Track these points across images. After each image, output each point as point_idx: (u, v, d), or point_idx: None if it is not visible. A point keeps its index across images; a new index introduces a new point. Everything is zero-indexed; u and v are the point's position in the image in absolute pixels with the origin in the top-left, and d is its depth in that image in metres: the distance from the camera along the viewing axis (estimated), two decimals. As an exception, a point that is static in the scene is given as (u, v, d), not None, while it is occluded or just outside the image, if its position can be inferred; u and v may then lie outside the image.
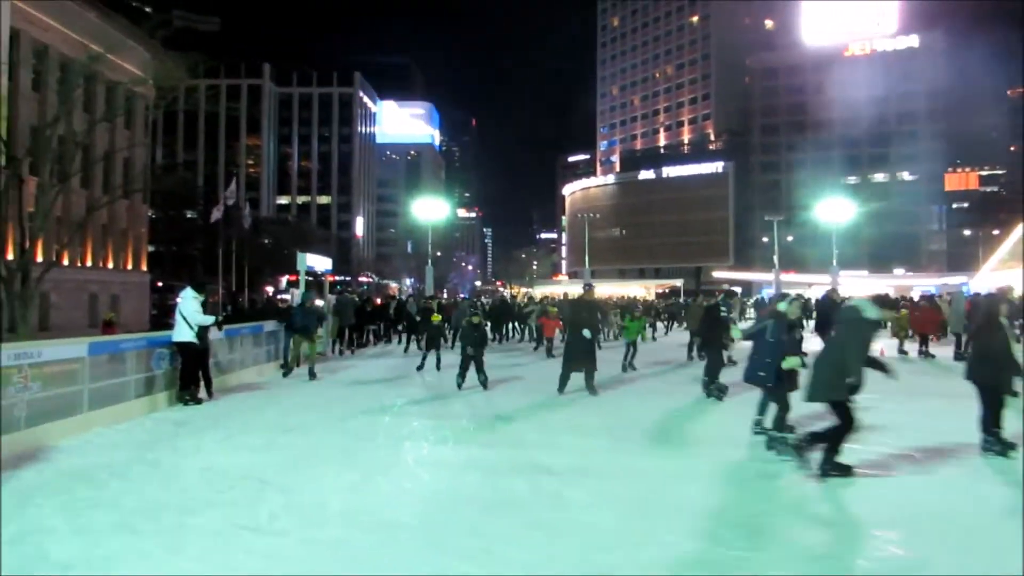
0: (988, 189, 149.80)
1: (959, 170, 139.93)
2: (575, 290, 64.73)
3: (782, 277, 57.49)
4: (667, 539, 5.32)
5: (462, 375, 12.97)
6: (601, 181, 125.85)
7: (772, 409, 8.38)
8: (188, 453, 8.04)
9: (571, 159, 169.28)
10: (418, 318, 20.22)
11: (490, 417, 10.32)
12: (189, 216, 67.45)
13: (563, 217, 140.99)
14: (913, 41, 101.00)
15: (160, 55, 29.51)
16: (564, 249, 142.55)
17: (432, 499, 6.39)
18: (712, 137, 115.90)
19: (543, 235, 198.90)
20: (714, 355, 12.63)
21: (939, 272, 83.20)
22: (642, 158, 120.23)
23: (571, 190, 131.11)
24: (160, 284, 55.62)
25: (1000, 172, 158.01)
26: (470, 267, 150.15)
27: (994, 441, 7.70)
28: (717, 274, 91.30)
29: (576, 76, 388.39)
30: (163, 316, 42.93)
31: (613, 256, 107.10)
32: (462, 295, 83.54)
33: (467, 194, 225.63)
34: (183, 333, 11.25)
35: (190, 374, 11.37)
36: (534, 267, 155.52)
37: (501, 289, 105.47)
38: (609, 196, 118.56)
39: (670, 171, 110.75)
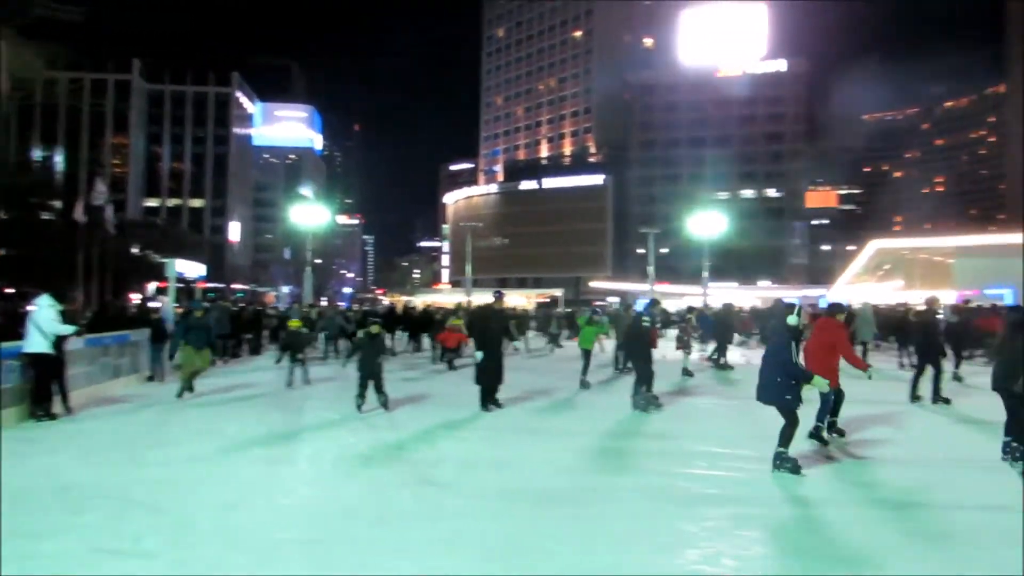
0: (845, 207, 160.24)
1: (820, 188, 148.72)
2: (456, 299, 64.64)
3: (656, 288, 59.28)
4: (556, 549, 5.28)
5: (361, 395, 11.31)
6: (484, 190, 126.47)
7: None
8: (41, 473, 7.35)
9: (454, 167, 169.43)
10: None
11: (389, 443, 9.28)
12: (45, 218, 62.96)
13: (445, 225, 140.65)
14: (781, 65, 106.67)
15: (17, 45, 27.46)
16: (446, 257, 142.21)
17: (315, 515, 6.13)
18: (593, 150, 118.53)
19: (425, 243, 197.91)
20: (642, 366, 12.23)
21: (801, 285, 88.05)
22: (525, 168, 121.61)
23: (454, 198, 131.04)
24: (9, 291, 51.57)
25: (856, 191, 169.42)
26: (350, 274, 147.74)
27: (1018, 448, 7.91)
28: (595, 284, 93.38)
29: (461, 85, 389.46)
30: (12, 325, 39.73)
31: (495, 265, 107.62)
32: (343, 304, 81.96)
33: (348, 200, 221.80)
34: (36, 343, 10.38)
35: (44, 388, 10.50)
36: (415, 275, 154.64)
37: (381, 297, 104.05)
38: (491, 205, 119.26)
39: (552, 182, 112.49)
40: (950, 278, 43.01)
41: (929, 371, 12.44)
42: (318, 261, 68.00)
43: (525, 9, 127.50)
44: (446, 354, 19.35)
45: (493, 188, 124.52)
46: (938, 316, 13.48)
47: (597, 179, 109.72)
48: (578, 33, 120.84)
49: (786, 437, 7.53)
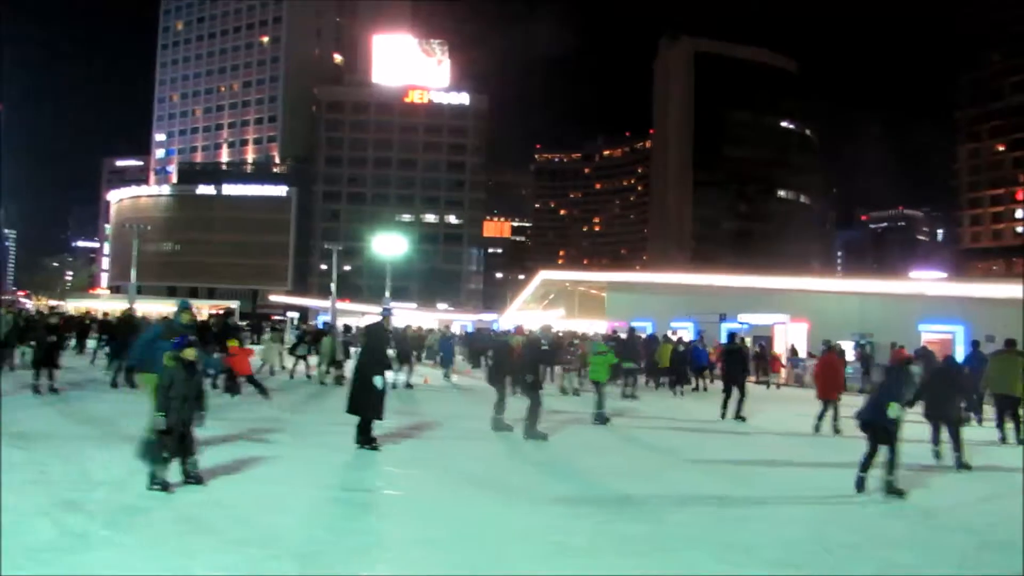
0: (517, 238, 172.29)
1: (496, 219, 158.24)
2: (118, 306, 58.15)
3: (338, 305, 58.53)
4: None
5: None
6: (155, 191, 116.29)
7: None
8: None
9: (121, 163, 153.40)
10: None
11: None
12: None
13: (107, 225, 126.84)
14: (464, 99, 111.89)
15: None
16: (106, 260, 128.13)
17: None
18: (277, 160, 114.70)
19: (81, 243, 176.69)
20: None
21: (476, 310, 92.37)
22: (202, 172, 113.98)
23: (119, 197, 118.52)
24: None
25: (527, 224, 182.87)
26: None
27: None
28: (275, 298, 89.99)
29: (132, 74, 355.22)
30: None
31: (164, 272, 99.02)
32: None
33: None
34: None
35: None
36: (68, 277, 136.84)
37: (24, 300, 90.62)
38: (163, 208, 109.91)
39: (231, 189, 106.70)
40: (603, 310, 47.49)
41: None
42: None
43: (208, 5, 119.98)
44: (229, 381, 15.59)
45: (165, 189, 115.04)
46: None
47: (280, 190, 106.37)
48: (265, 39, 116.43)
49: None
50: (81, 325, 27.35)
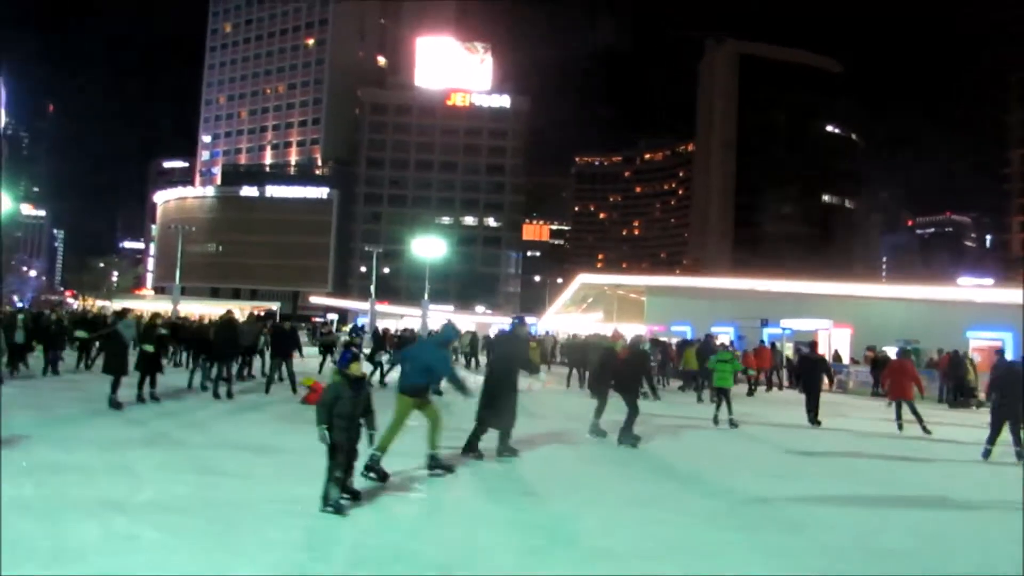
0: (556, 242, 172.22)
1: (535, 222, 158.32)
2: (163, 307, 59.33)
3: (377, 307, 59.04)
4: None
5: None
6: (200, 192, 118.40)
7: None
8: None
9: (167, 165, 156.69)
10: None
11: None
12: None
13: (153, 226, 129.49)
14: (505, 101, 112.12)
15: None
16: (152, 261, 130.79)
17: None
18: (319, 162, 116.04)
19: (127, 244, 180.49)
20: (635, 402, 11.39)
21: (514, 312, 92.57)
22: (246, 174, 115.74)
23: (165, 198, 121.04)
24: None
25: (566, 228, 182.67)
26: (32, 272, 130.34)
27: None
28: (315, 299, 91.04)
29: (180, 78, 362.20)
30: None
31: (207, 273, 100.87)
32: (18, 303, 71.78)
33: (36, 189, 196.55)
34: None
35: None
36: (114, 278, 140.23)
37: (71, 300, 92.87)
38: (207, 209, 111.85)
39: (274, 191, 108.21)
40: (643, 314, 47.21)
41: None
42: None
43: (256, 7, 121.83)
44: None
45: (210, 191, 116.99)
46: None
47: (322, 192, 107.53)
48: (311, 41, 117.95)
49: None
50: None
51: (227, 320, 15.63)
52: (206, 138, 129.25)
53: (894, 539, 6.73)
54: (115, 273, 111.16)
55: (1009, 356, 21.80)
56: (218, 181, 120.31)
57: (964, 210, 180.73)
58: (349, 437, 6.55)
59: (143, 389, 13.30)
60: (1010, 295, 34.02)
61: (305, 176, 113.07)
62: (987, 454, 11.54)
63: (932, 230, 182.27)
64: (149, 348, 13.39)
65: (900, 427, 14.78)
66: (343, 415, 6.51)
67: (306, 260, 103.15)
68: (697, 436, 13.17)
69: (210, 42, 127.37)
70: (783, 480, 9.34)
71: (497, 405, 9.39)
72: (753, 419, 15.69)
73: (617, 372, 11.78)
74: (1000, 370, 12.45)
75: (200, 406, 13.67)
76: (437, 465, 8.31)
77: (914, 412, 14.71)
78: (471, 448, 9.38)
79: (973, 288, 38.71)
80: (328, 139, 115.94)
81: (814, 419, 15.34)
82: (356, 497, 6.77)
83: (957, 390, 22.38)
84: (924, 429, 14.36)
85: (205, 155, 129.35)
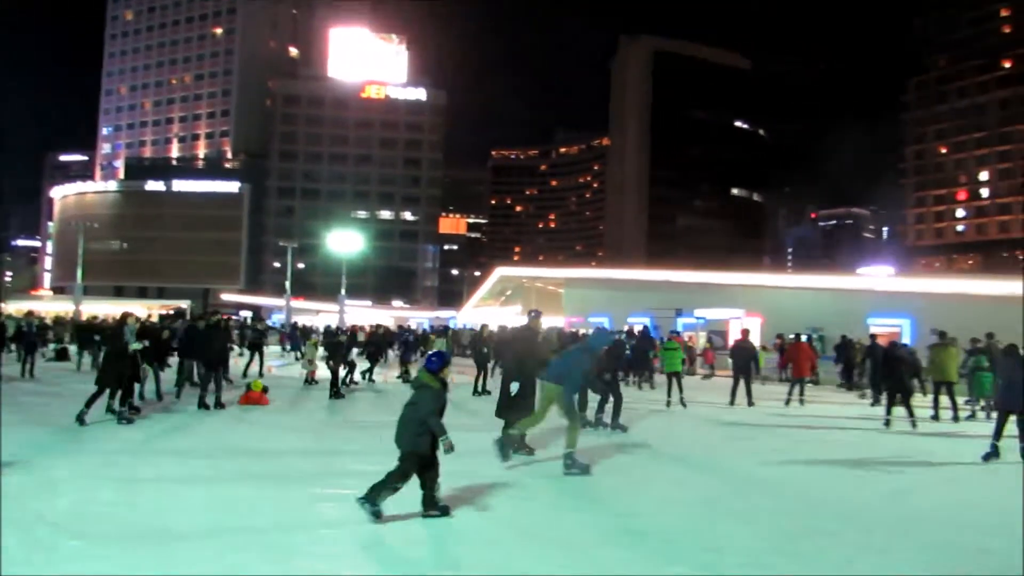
0: (473, 235, 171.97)
1: (452, 216, 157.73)
2: (62, 307, 56.69)
3: (292, 303, 57.84)
4: None
5: None
6: (101, 187, 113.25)
7: None
8: None
9: (64, 158, 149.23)
10: None
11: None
12: None
13: (50, 223, 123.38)
14: (421, 94, 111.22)
15: None
16: (49, 260, 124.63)
17: None
18: (229, 155, 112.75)
19: (21, 242, 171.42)
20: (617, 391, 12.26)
21: (432, 307, 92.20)
22: (151, 167, 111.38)
23: (63, 193, 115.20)
24: None
25: (483, 221, 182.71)
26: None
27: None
28: (227, 296, 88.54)
29: (77, 65, 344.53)
30: None
31: (110, 271, 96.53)
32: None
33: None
34: None
35: None
36: (7, 278, 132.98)
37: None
38: (110, 205, 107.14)
39: (181, 185, 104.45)
40: (561, 306, 47.65)
41: None
42: None
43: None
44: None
45: (112, 186, 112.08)
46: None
47: (232, 186, 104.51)
48: (218, 30, 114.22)
49: None
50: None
51: (217, 322, 15.20)
52: (107, 130, 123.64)
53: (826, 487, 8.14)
54: (9, 273, 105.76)
55: (907, 341, 23.08)
56: (121, 175, 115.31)
57: (864, 203, 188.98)
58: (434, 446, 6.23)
59: (116, 401, 11.91)
60: (907, 283, 35.80)
61: (214, 170, 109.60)
62: (887, 423, 13.59)
63: (834, 222, 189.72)
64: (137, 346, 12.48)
65: (788, 403, 17.14)
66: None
67: (216, 256, 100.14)
68: (660, 418, 14.44)
69: (110, 29, 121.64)
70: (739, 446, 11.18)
71: (518, 402, 9.44)
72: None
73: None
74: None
75: (197, 418, 12.72)
76: (574, 464, 8.38)
77: (801, 388, 17.56)
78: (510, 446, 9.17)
79: (873, 277, 40.45)
80: (238, 131, 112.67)
81: (750, 402, 16.65)
82: (446, 512, 6.36)
83: (846, 373, 23.63)
84: (799, 401, 17.36)
85: (106, 148, 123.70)
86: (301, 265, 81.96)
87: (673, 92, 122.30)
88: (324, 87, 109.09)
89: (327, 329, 27.55)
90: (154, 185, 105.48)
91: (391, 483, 6.14)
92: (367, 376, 20.04)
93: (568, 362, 8.74)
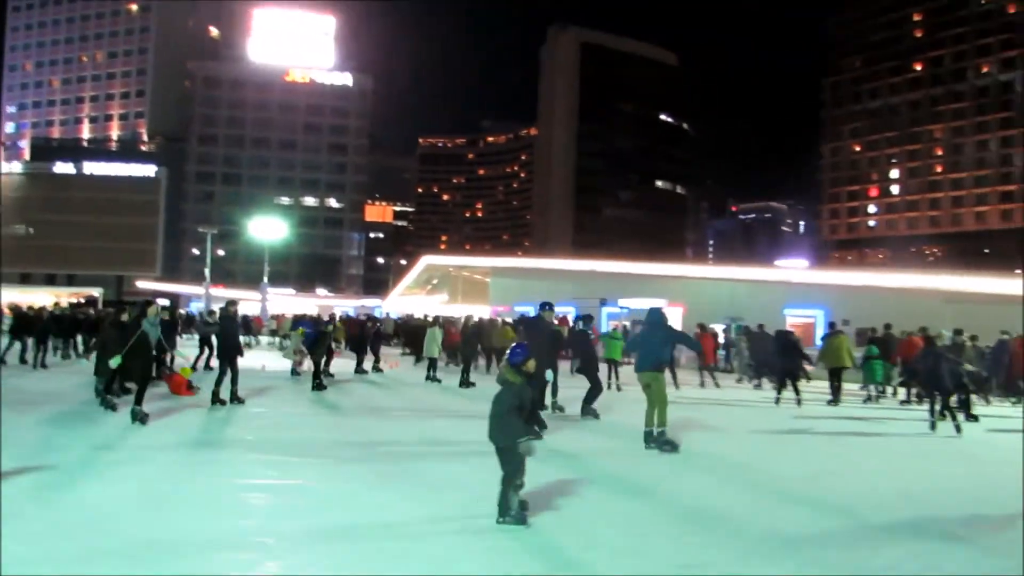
0: (400, 223, 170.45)
1: (378, 203, 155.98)
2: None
3: (212, 291, 56.35)
4: None
5: None
6: (5, 168, 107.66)
7: None
8: None
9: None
10: None
11: None
12: None
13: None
14: (347, 79, 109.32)
15: None
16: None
17: None
18: (145, 138, 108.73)
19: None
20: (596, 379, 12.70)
21: (357, 295, 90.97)
22: (59, 148, 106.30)
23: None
24: None
25: (410, 209, 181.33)
26: None
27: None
28: (142, 284, 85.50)
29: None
30: None
31: (15, 258, 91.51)
32: None
33: None
34: None
35: None
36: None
37: None
38: (14, 187, 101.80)
39: (94, 168, 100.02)
40: (487, 295, 47.64)
41: None
42: None
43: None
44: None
45: (17, 167, 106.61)
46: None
47: (149, 170, 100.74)
48: (133, 6, 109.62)
49: None
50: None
51: (234, 312, 14.44)
52: (11, 108, 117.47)
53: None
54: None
55: (819, 331, 23.91)
56: (26, 156, 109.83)
57: (782, 198, 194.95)
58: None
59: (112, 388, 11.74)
60: (821, 276, 36.99)
61: (129, 152, 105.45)
62: (777, 402, 15.37)
63: (753, 216, 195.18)
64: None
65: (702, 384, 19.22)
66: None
67: (131, 243, 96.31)
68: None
69: (12, 1, 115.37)
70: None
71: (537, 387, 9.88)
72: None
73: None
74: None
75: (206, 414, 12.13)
76: (666, 442, 9.35)
77: (711, 374, 19.58)
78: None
79: (789, 270, 41.68)
80: (155, 113, 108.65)
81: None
82: (525, 507, 6.05)
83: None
84: (715, 385, 19.02)
85: (9, 127, 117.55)
86: (221, 252, 79.82)
87: (600, 84, 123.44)
88: (247, 69, 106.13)
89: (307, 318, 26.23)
90: (63, 167, 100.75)
91: (512, 484, 5.89)
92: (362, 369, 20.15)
93: (655, 348, 9.80)
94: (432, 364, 18.58)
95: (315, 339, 16.84)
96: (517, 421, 5.90)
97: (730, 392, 18.45)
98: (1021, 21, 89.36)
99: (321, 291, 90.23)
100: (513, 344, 6.58)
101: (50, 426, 10.41)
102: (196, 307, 58.30)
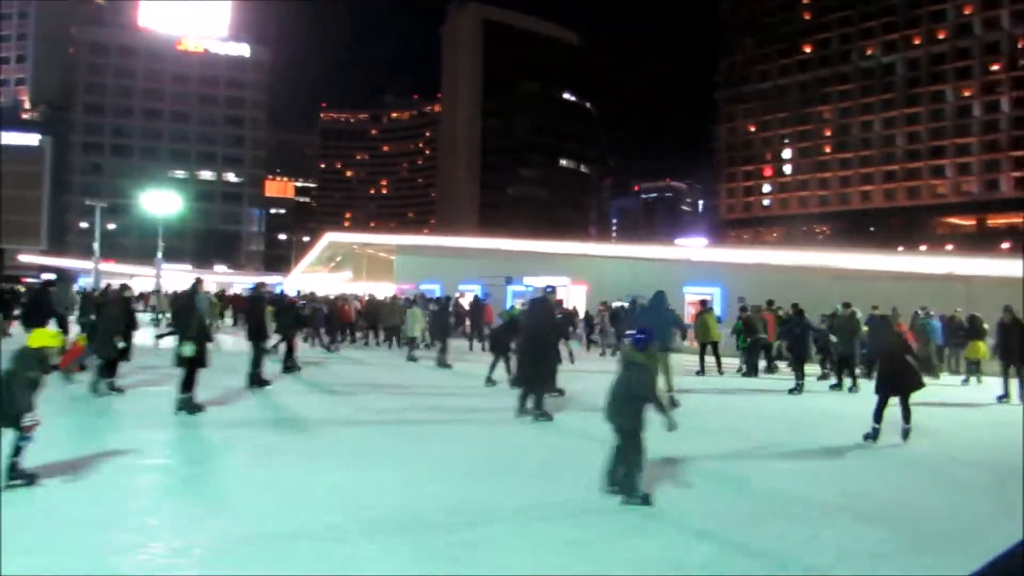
0: (302, 199, 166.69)
1: (278, 178, 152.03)
2: None
3: (102, 267, 54.13)
4: None
5: None
6: None
7: None
8: None
9: None
10: None
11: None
12: None
13: None
14: (244, 50, 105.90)
15: None
16: None
17: None
18: (27, 106, 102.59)
19: None
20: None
21: (257, 271, 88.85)
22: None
23: None
24: None
25: (312, 185, 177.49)
26: None
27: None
28: (25, 258, 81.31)
29: None
30: None
31: None
32: None
33: None
34: None
35: None
36: None
37: None
38: None
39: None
40: (392, 273, 47.39)
41: None
42: None
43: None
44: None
45: None
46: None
47: (32, 139, 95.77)
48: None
49: None
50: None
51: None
52: None
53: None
54: None
55: (717, 310, 24.99)
56: None
57: (682, 177, 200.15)
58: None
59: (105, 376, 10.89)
60: (717, 254, 38.50)
61: (10, 120, 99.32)
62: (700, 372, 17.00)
63: (655, 195, 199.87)
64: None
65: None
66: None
67: (12, 215, 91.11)
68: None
69: None
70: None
71: (539, 370, 9.97)
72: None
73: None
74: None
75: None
76: (673, 405, 10.14)
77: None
78: (525, 410, 9.99)
79: (688, 248, 43.11)
80: (37, 80, 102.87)
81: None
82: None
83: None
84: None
85: None
86: (112, 226, 76.46)
87: (503, 62, 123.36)
88: (136, 37, 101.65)
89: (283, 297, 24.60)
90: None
91: (635, 467, 6.00)
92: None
93: (661, 330, 10.63)
94: (411, 343, 18.92)
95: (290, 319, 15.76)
96: (659, 400, 6.15)
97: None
98: (902, 5, 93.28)
99: (220, 267, 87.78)
100: (635, 330, 6.77)
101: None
102: (84, 282, 55.81)
